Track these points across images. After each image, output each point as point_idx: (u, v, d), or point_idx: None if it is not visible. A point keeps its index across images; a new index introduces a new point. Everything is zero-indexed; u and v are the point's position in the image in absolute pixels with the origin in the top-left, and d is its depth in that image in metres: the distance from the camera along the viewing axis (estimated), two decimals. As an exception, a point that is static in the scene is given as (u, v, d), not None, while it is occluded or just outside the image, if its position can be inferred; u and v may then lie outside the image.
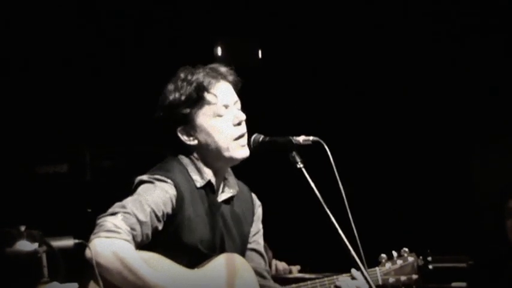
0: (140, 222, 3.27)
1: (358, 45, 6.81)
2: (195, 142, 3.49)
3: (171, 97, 3.47)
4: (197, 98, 3.45)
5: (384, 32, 6.76)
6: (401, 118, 6.82)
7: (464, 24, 6.62)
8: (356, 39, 6.81)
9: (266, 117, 3.70)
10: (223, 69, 3.55)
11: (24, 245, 2.92)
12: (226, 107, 3.49)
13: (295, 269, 5.28)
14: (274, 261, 5.40)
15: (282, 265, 5.36)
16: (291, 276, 4.83)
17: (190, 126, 3.48)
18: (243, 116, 3.51)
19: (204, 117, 3.47)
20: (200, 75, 3.48)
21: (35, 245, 2.92)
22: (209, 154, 3.50)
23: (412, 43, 6.74)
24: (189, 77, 3.48)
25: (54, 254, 2.96)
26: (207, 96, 3.46)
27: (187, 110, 3.46)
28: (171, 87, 3.49)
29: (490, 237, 6.12)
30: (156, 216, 3.32)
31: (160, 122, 3.51)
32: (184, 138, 3.49)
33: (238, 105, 3.54)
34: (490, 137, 6.66)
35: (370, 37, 6.79)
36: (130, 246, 3.22)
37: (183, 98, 3.45)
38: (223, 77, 3.53)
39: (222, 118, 3.48)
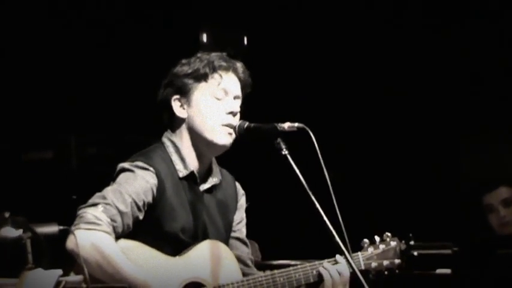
0: (121, 213, 3.28)
1: (344, 31, 6.80)
2: (185, 116, 3.53)
3: (180, 68, 3.56)
4: (203, 74, 3.52)
5: (371, 20, 6.75)
6: (388, 105, 6.81)
7: (447, 16, 6.62)
8: (343, 26, 6.80)
9: (251, 105, 3.69)
10: (239, 65, 3.62)
11: (9, 231, 2.92)
12: (226, 93, 3.54)
13: None
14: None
15: None
16: (275, 263, 4.80)
17: (185, 97, 3.53)
18: (237, 109, 3.55)
19: (201, 93, 3.52)
20: (215, 57, 3.56)
21: (20, 231, 2.92)
22: (193, 132, 3.52)
23: (398, 32, 6.73)
24: (204, 57, 3.57)
25: (39, 241, 2.95)
26: (213, 74, 3.52)
27: (190, 81, 3.51)
28: (184, 61, 3.58)
29: (475, 224, 6.14)
30: (137, 205, 3.33)
31: (161, 89, 3.58)
32: (176, 107, 3.54)
33: (238, 101, 3.59)
34: (479, 126, 6.67)
35: (356, 24, 6.77)
36: (110, 238, 3.23)
37: (190, 70, 3.53)
38: (235, 71, 3.60)
39: (218, 102, 3.53)
